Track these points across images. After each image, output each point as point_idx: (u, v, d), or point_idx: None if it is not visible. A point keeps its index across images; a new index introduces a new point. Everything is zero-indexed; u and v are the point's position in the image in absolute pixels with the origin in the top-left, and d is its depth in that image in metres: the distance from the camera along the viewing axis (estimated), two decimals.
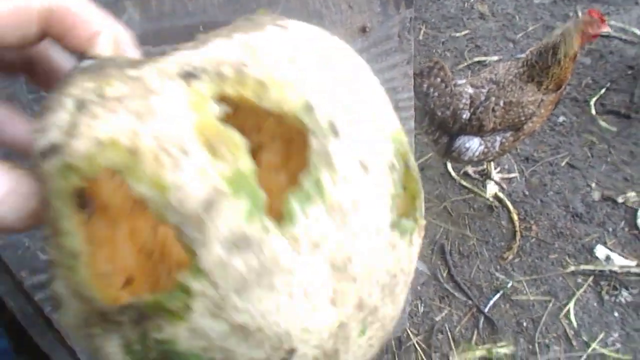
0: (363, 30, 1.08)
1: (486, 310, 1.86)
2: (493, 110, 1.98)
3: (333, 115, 0.29)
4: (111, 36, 0.30)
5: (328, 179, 0.28)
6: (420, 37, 3.34)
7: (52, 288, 0.29)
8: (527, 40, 3.14)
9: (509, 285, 1.93)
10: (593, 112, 2.63)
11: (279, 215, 0.27)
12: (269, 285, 0.26)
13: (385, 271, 0.31)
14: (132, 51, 0.32)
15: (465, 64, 3.05)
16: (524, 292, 1.91)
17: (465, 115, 2.02)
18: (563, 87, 1.96)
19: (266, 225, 0.26)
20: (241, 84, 0.28)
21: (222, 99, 0.28)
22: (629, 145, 2.43)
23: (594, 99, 2.69)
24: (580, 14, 3.29)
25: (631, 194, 2.19)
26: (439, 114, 2.03)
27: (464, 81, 2.05)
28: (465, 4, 3.60)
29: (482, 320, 1.84)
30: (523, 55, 2.02)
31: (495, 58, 3.04)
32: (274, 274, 0.26)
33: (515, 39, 3.20)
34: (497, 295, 1.90)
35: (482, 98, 2.00)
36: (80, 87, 0.27)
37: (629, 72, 2.83)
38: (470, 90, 2.02)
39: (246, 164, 0.27)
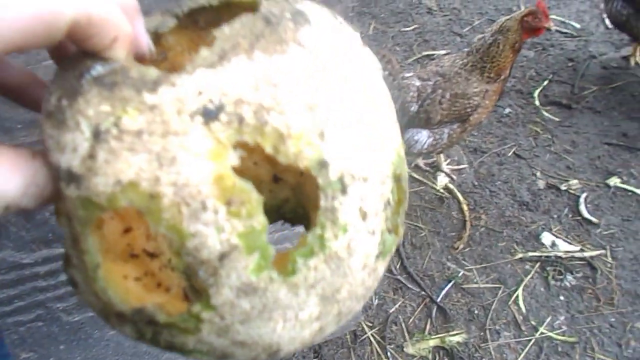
0: None
1: (439, 299, 1.88)
2: (440, 102, 2.00)
3: (344, 167, 0.31)
4: (128, 41, 0.29)
5: (331, 235, 0.31)
6: (370, 32, 3.36)
7: (70, 275, 0.32)
8: (474, 34, 3.20)
9: (460, 274, 1.96)
10: (537, 103, 2.70)
11: (284, 261, 0.30)
12: (268, 317, 0.30)
13: (364, 288, 0.35)
14: (146, 45, 0.32)
15: (415, 57, 3.08)
16: (475, 280, 1.94)
17: (413, 107, 2.03)
18: (505, 77, 2.00)
19: (272, 277, 0.29)
20: (260, 134, 0.29)
21: (241, 145, 0.29)
22: (570, 134, 2.51)
23: (537, 91, 2.77)
24: (522, 7, 3.38)
25: (574, 182, 2.27)
26: None
27: (411, 74, 2.07)
28: (414, 0, 3.65)
29: (435, 310, 1.86)
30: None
31: (443, 52, 3.09)
32: (273, 310, 0.30)
33: (462, 32, 3.26)
34: (449, 285, 1.93)
35: (429, 90, 2.02)
36: (94, 109, 0.27)
37: (570, 64, 2.93)
38: (418, 83, 2.03)
39: (259, 220, 0.29)
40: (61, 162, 0.27)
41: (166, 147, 0.27)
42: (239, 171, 0.29)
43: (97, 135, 0.27)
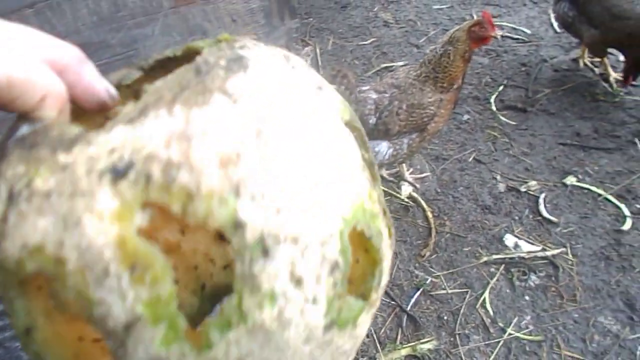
0: None
1: (408, 308, 1.90)
2: (397, 113, 2.04)
3: (266, 228, 0.27)
4: (59, 98, 0.29)
5: (252, 304, 0.27)
6: (329, 48, 3.40)
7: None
8: (430, 44, 3.27)
9: (428, 281, 1.99)
10: (494, 108, 2.77)
11: (199, 333, 0.27)
12: None
13: None
14: (103, 92, 0.31)
15: (374, 70, 3.14)
16: (443, 286, 1.97)
17: (372, 120, 2.06)
18: (458, 85, 2.05)
19: (184, 351, 0.27)
20: (167, 192, 0.27)
21: (150, 205, 0.27)
22: (527, 137, 2.58)
23: (493, 96, 2.84)
24: (475, 16, 3.48)
25: (532, 183, 2.32)
26: None
27: (367, 87, 2.10)
28: (370, 13, 3.72)
29: (405, 318, 1.88)
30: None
31: (401, 63, 3.15)
32: None
33: (418, 43, 3.33)
34: (418, 293, 1.95)
35: (386, 102, 2.05)
36: (12, 169, 0.27)
37: (523, 69, 3.02)
38: (375, 96, 2.07)
39: (166, 288, 0.27)
40: None
41: (72, 209, 0.26)
42: (151, 235, 0.27)
43: (11, 197, 0.26)
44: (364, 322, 0.35)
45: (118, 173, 0.26)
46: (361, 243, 0.33)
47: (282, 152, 0.29)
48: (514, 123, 2.67)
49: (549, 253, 2.02)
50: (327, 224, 0.30)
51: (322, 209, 0.30)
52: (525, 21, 3.41)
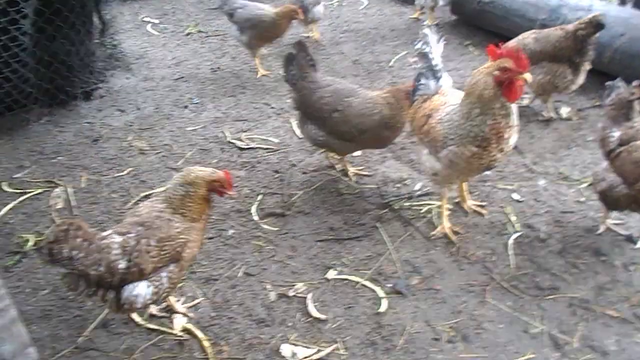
0: None
1: None
2: (147, 251, 1.97)
3: None
4: None
5: None
6: (83, 185, 3.22)
7: None
8: (187, 165, 3.32)
9: None
10: (256, 218, 2.89)
11: None
12: None
13: None
14: None
15: (134, 201, 3.04)
16: None
17: (122, 265, 1.95)
18: (207, 214, 2.10)
19: None
20: None
21: None
22: (289, 240, 2.72)
23: (254, 207, 2.97)
24: (227, 134, 3.68)
25: (299, 285, 2.43)
26: (93, 272, 1.91)
27: (109, 232, 2.00)
28: (124, 143, 3.66)
29: None
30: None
31: (162, 189, 3.11)
32: None
33: (176, 166, 3.36)
34: None
35: (133, 243, 1.97)
36: None
37: (276, 175, 3.25)
38: (119, 239, 1.97)
39: None
40: None
41: None
42: None
43: None
44: None
45: None
46: None
47: None
48: (275, 229, 2.81)
49: (322, 354, 2.08)
50: None
51: None
52: (272, 132, 3.72)
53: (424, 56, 2.61)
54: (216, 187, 2.06)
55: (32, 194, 3.13)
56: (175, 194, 2.04)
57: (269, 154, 3.46)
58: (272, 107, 4.05)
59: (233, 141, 3.60)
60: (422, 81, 2.61)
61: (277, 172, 3.28)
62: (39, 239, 2.70)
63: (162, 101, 4.22)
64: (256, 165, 3.35)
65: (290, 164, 3.35)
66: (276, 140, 3.60)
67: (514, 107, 2.26)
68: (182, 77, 4.62)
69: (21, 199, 3.07)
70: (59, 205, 3.03)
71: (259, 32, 4.33)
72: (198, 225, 2.08)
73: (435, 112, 2.43)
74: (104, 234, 1.98)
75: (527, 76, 2.14)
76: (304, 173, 3.26)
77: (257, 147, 3.52)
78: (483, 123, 2.21)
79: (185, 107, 4.13)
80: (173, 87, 4.45)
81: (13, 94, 3.76)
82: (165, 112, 4.06)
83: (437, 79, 2.58)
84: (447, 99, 2.47)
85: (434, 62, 2.58)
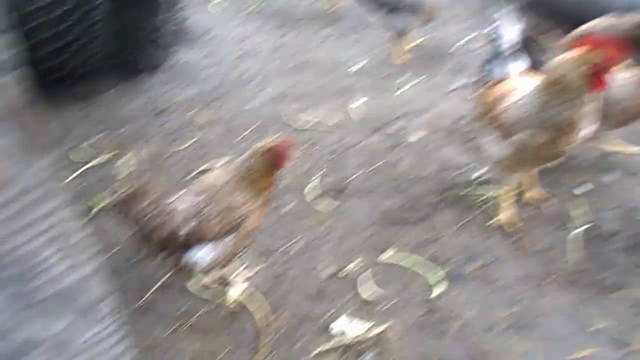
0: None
1: None
2: (210, 219, 2.03)
3: None
4: None
5: None
6: (147, 155, 3.34)
7: None
8: (247, 143, 3.36)
9: None
10: (312, 197, 2.91)
11: None
12: None
13: None
14: None
15: (194, 173, 3.12)
16: None
17: (186, 229, 2.02)
18: (270, 190, 2.13)
19: None
20: None
21: None
22: (343, 221, 2.73)
23: (309, 186, 2.98)
24: (287, 112, 3.71)
25: (352, 265, 2.44)
26: (158, 234, 2.00)
27: (175, 197, 2.07)
28: (187, 117, 3.76)
29: None
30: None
31: (220, 163, 3.19)
32: None
33: (235, 142, 3.42)
34: None
35: (197, 210, 2.03)
36: None
37: (333, 156, 3.24)
38: (184, 205, 2.04)
39: None
40: None
41: None
42: None
43: None
44: None
45: None
46: None
47: None
48: (331, 208, 2.82)
49: (372, 333, 2.09)
50: None
51: None
52: (330, 113, 3.71)
53: (493, 40, 2.54)
54: (277, 155, 2.06)
55: (99, 161, 3.27)
56: (242, 167, 2.08)
57: (327, 134, 3.46)
58: (331, 88, 4.04)
59: (292, 120, 3.63)
60: (491, 65, 2.54)
61: (334, 152, 3.28)
62: (108, 200, 2.82)
63: (225, 77, 4.29)
64: (314, 145, 3.36)
65: (347, 145, 3.34)
66: (334, 121, 3.60)
67: (594, 98, 2.18)
68: (245, 55, 4.68)
69: (89, 164, 3.21)
70: (124, 173, 3.16)
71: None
72: (260, 199, 2.11)
73: (506, 98, 2.36)
74: (171, 198, 2.05)
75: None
76: (361, 156, 3.24)
77: (315, 128, 3.53)
78: (561, 112, 2.14)
79: (247, 84, 4.19)
80: (235, 63, 4.51)
81: (86, 64, 3.93)
82: (227, 88, 4.13)
83: (507, 64, 2.50)
84: (518, 85, 2.39)
85: (504, 47, 2.50)
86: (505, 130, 2.32)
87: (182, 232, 2.00)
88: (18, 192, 1.01)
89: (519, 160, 2.38)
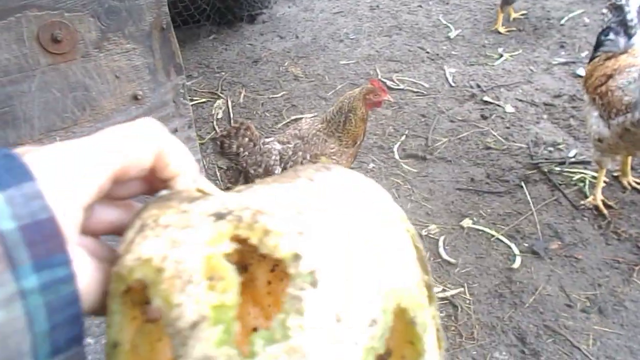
0: (135, 98, 1.09)
1: None
2: (301, 163, 2.11)
3: (318, 265, 0.33)
4: (190, 177, 0.41)
5: (295, 324, 0.32)
6: (241, 100, 3.47)
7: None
8: (337, 97, 3.42)
9: None
10: (397, 157, 2.93)
11: (247, 341, 0.32)
12: None
13: None
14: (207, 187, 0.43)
15: (284, 122, 3.22)
16: None
17: (277, 170, 2.11)
18: (360, 141, 2.17)
19: (230, 354, 0.31)
20: (251, 229, 0.35)
21: (236, 238, 0.35)
22: (427, 183, 2.73)
23: (396, 146, 3.00)
24: (378, 71, 3.71)
25: (432, 227, 2.45)
26: (252, 172, 2.10)
27: (271, 139, 2.16)
28: (281, 68, 3.85)
29: None
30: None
31: (310, 115, 3.26)
32: None
33: (326, 96, 3.48)
34: None
35: (290, 153, 2.12)
36: (147, 212, 0.38)
37: (422, 120, 3.23)
38: (279, 147, 2.13)
39: (231, 298, 0.33)
40: (118, 251, 0.37)
41: (180, 234, 0.35)
42: (232, 258, 0.35)
43: (141, 228, 0.36)
44: None
45: (220, 216, 0.35)
46: (398, 317, 0.36)
47: (350, 225, 0.36)
48: (415, 170, 2.83)
49: (448, 294, 2.12)
50: (378, 287, 0.35)
51: (376, 277, 0.35)
52: (423, 76, 3.67)
53: (617, 8, 2.38)
54: (372, 99, 2.09)
55: (197, 102, 3.44)
56: (334, 117, 2.13)
57: (417, 97, 3.44)
58: (427, 52, 3.98)
59: (384, 80, 3.62)
60: (610, 36, 2.40)
61: (423, 116, 3.26)
62: (212, 136, 2.98)
63: (320, 32, 4.33)
64: (403, 107, 3.35)
65: (438, 110, 3.30)
66: (427, 85, 3.55)
67: None
68: (341, 12, 4.68)
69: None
70: (220, 115, 3.31)
71: None
72: (349, 151, 2.16)
73: (619, 74, 2.23)
74: (267, 140, 2.14)
75: None
76: (451, 121, 3.20)
77: (406, 89, 3.51)
78: None
79: (341, 40, 4.20)
80: (331, 20, 4.53)
81: (190, 9, 4.10)
82: (322, 43, 4.16)
83: (630, 36, 2.34)
84: (636, 61, 2.25)
85: (628, 17, 2.34)
86: (615, 109, 2.20)
87: (277, 170, 2.10)
88: (148, 108, 1.10)
89: (620, 142, 2.25)
